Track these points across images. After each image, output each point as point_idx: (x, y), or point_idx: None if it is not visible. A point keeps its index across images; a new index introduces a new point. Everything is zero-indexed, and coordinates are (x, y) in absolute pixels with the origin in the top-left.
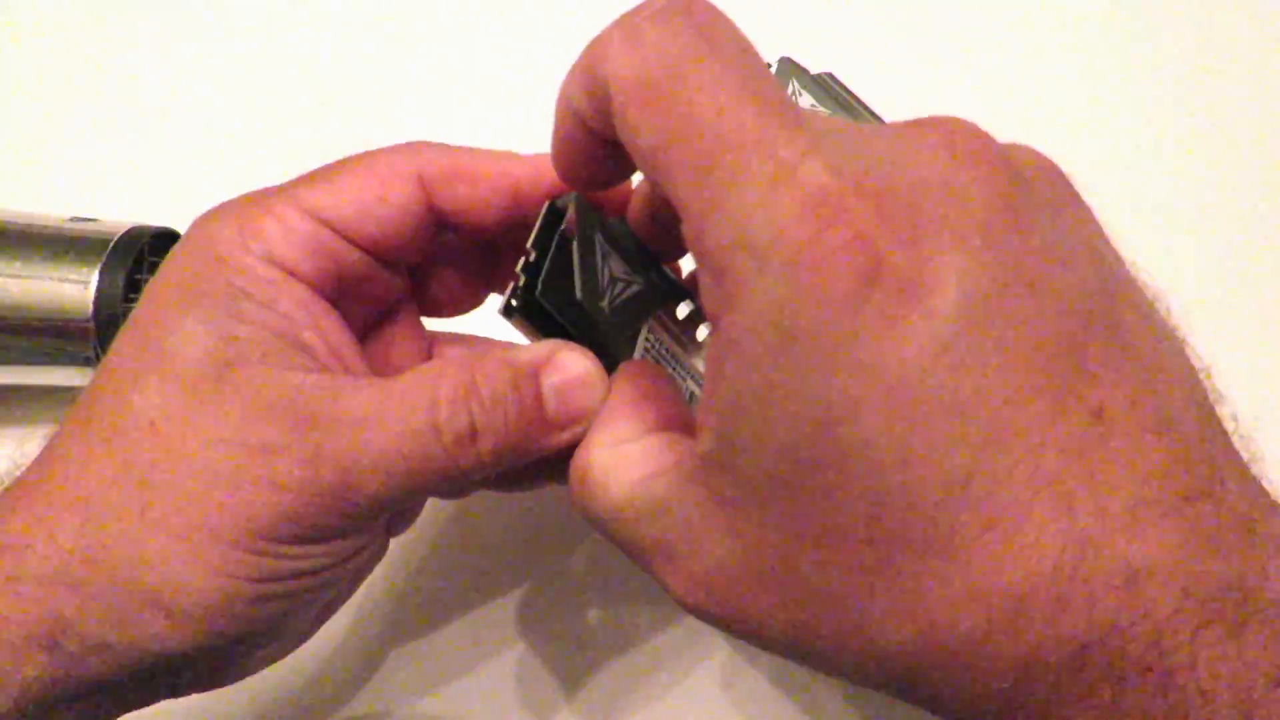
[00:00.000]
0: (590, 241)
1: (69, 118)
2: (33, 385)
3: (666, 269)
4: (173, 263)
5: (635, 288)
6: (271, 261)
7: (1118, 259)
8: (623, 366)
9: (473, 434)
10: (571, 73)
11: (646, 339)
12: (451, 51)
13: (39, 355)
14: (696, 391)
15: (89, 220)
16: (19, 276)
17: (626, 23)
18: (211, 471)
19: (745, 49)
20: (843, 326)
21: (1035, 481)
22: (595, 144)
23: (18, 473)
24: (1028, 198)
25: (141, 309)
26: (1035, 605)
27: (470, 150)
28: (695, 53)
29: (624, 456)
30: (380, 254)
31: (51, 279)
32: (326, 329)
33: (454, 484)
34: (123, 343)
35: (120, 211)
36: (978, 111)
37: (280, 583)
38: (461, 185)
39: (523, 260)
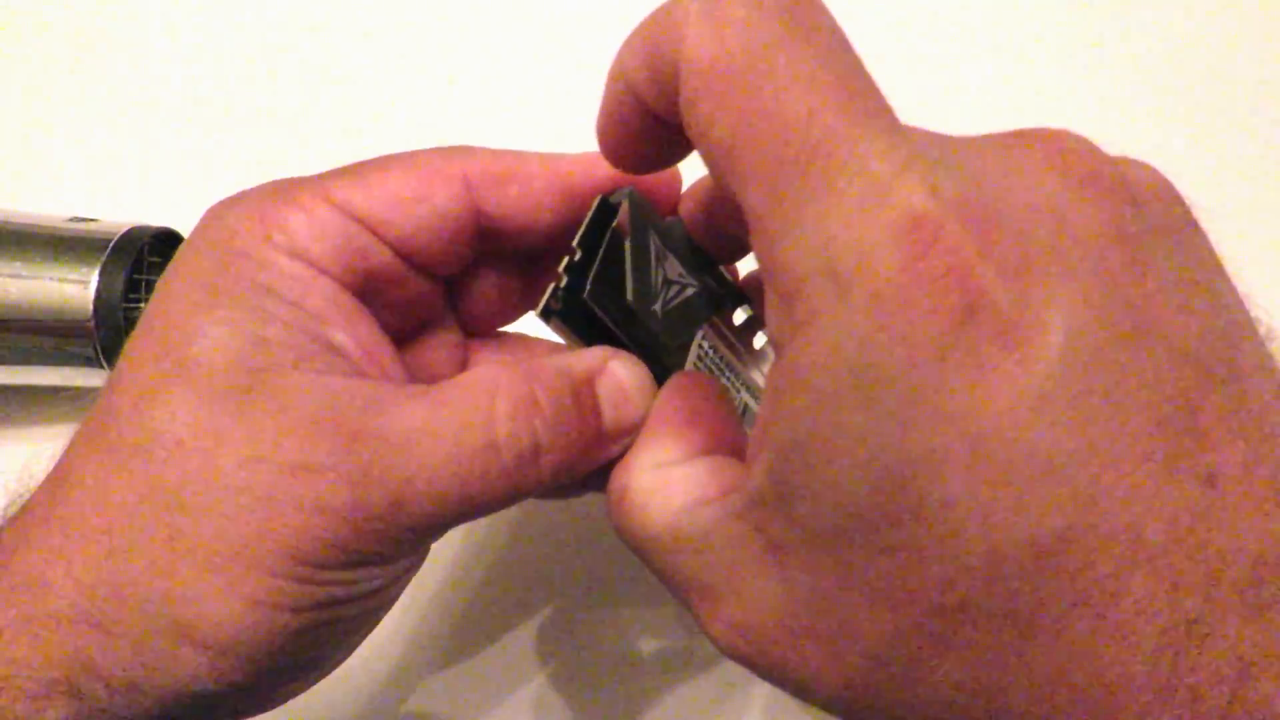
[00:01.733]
0: (644, 240)
1: (69, 118)
2: (33, 385)
3: (723, 271)
4: (187, 258)
5: (690, 291)
6: (296, 255)
7: (1236, 298)
8: (673, 379)
9: (535, 452)
10: (631, 42)
11: (700, 347)
12: (462, 43)
13: (39, 355)
14: (751, 404)
15: (89, 220)
16: (19, 276)
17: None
18: (248, 493)
19: (843, 41)
20: (929, 371)
21: (1136, 555)
22: (649, 123)
23: (25, 494)
24: (1145, 228)
25: (155, 310)
26: (1129, 696)
27: (519, 153)
28: (787, 40)
29: (667, 481)
30: (415, 258)
31: (51, 279)
32: (359, 329)
33: (510, 503)
34: (137, 349)
35: (120, 211)
36: (978, 111)
37: (323, 611)
38: (513, 186)
39: (566, 259)
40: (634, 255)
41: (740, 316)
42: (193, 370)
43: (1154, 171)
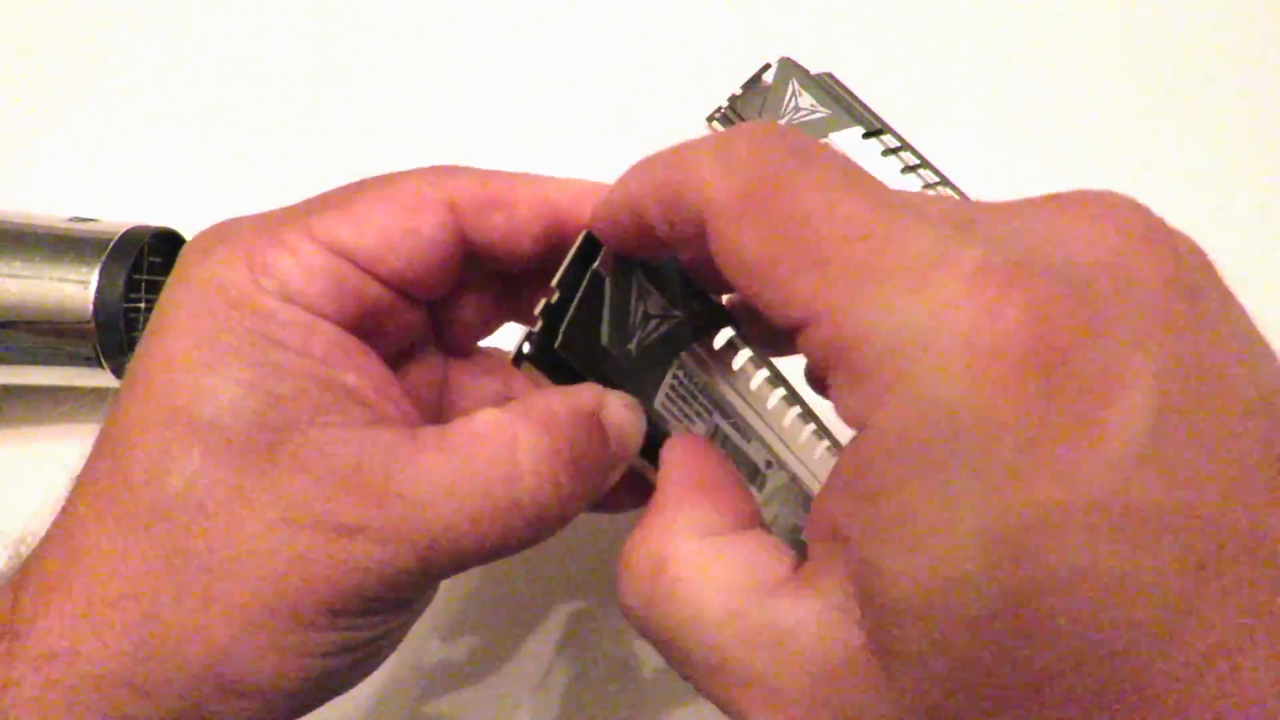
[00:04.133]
0: (627, 278)
1: (69, 118)
2: (33, 385)
3: (709, 295)
4: (177, 309)
5: (669, 324)
6: (290, 300)
7: (1270, 348)
8: (680, 441)
9: (558, 501)
10: (641, 180)
11: (673, 379)
12: (455, 47)
13: (39, 355)
14: (724, 426)
15: (89, 220)
16: (19, 276)
17: (718, 141)
18: (281, 556)
19: (844, 159)
20: (1030, 423)
21: (1254, 607)
22: (649, 238)
23: (22, 552)
24: (1198, 284)
25: (151, 368)
26: None
27: (504, 175)
28: (794, 161)
29: (722, 556)
30: (405, 289)
31: (51, 279)
32: (367, 368)
33: (533, 545)
34: (139, 410)
35: (120, 211)
36: (978, 110)
37: (356, 651)
38: (498, 214)
39: (544, 302)
40: (613, 296)
41: (721, 340)
42: (208, 434)
43: (1187, 235)
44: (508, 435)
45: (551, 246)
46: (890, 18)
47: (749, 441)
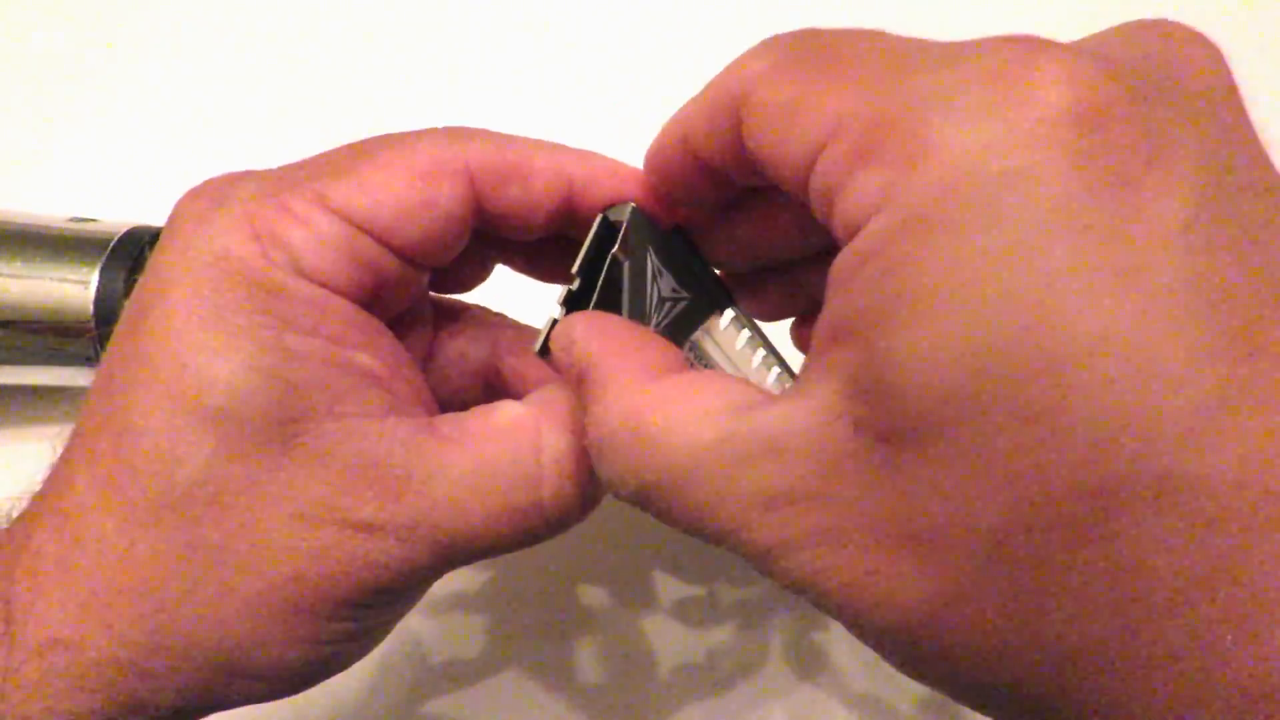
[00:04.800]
0: (642, 263)
1: (69, 118)
2: (33, 385)
3: (715, 273)
4: (176, 283)
5: (681, 305)
6: (303, 275)
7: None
8: (573, 318)
9: (580, 500)
10: (691, 103)
11: (689, 359)
12: (456, 46)
13: (39, 355)
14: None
15: (89, 220)
16: (19, 276)
17: (760, 42)
18: (300, 551)
19: (873, 31)
20: (1067, 178)
21: None
22: (696, 171)
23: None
24: (1237, 98)
25: (151, 346)
26: None
27: (520, 141)
28: (831, 30)
29: (695, 389)
30: (418, 260)
31: (51, 279)
32: (381, 347)
33: (549, 538)
34: (140, 393)
35: (120, 211)
36: None
37: (364, 636)
38: (515, 186)
39: (565, 291)
40: (631, 281)
41: (726, 319)
42: (221, 424)
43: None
44: (531, 434)
45: (564, 220)
46: (890, 18)
47: None
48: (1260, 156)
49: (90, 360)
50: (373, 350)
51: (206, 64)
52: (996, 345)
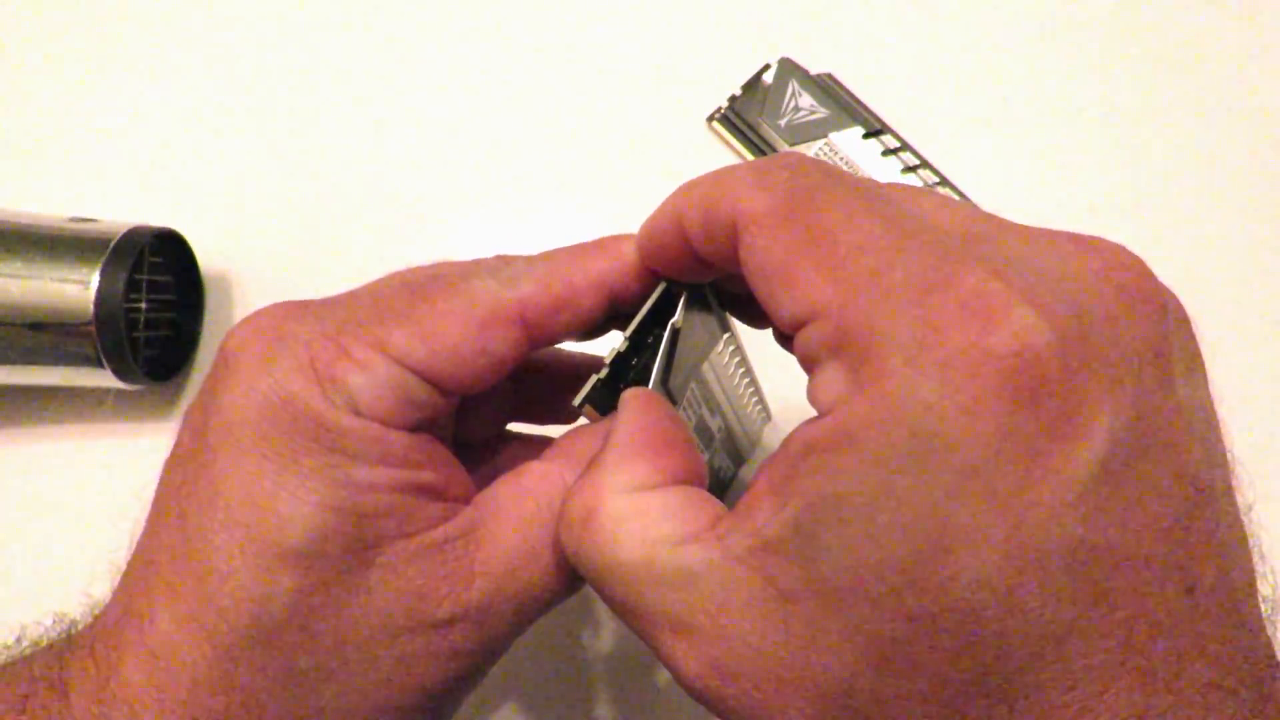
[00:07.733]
0: (692, 325)
1: (69, 117)
2: (33, 385)
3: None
4: (245, 426)
5: (698, 345)
6: (361, 415)
7: (1219, 426)
8: (632, 396)
9: None
10: (688, 197)
11: (690, 392)
12: (455, 48)
13: (39, 355)
14: (709, 420)
15: (89, 220)
16: (19, 276)
17: (756, 165)
18: (386, 660)
19: (870, 182)
20: (988, 447)
21: (1127, 650)
22: (688, 257)
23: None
24: (1174, 350)
25: (224, 487)
26: None
27: (562, 269)
28: (823, 182)
29: (642, 510)
30: (464, 393)
31: (51, 279)
32: (437, 462)
33: None
34: (220, 537)
35: (120, 211)
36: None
37: (445, 715)
38: (564, 314)
39: (613, 352)
40: (670, 342)
41: (722, 346)
42: (303, 560)
43: (1178, 300)
44: (558, 484)
45: (608, 321)
46: (890, 18)
47: (714, 416)
48: (1173, 415)
49: (90, 360)
50: (431, 468)
51: (207, 64)
52: (901, 566)
